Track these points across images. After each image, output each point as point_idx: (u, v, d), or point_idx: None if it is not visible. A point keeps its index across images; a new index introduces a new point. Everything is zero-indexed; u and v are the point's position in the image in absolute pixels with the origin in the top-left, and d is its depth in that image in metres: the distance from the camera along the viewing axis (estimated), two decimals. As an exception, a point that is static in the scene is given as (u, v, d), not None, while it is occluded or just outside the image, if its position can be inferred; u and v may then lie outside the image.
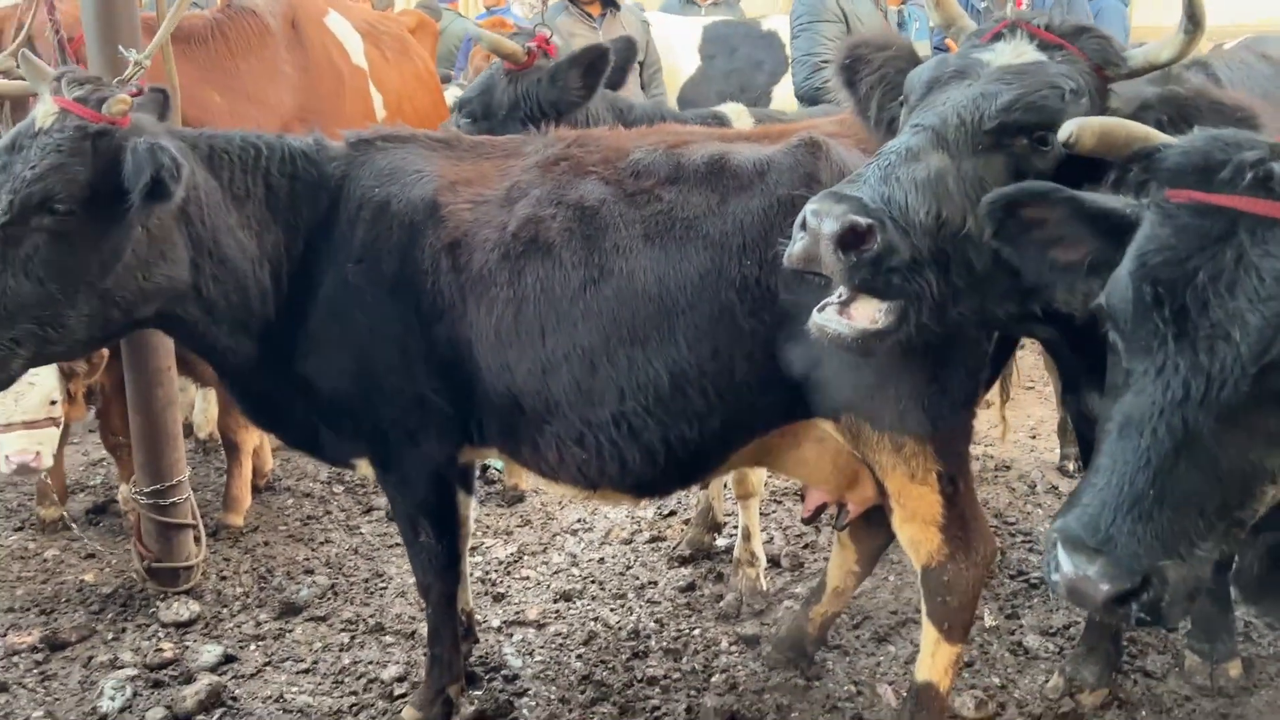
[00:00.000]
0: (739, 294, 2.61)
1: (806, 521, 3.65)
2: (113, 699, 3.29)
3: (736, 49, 6.34)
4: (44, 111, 2.67)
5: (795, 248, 2.03)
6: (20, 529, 4.46)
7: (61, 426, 3.90)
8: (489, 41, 4.06)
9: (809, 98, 5.12)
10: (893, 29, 5.58)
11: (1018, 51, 2.21)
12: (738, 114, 3.95)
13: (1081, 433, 3.15)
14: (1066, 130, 1.91)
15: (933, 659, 2.89)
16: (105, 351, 3.78)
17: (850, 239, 1.96)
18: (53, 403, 3.79)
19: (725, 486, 4.27)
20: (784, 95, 6.92)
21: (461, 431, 2.94)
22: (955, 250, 2.10)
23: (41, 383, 3.74)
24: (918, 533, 2.78)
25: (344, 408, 2.93)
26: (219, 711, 3.27)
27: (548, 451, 2.82)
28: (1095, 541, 1.62)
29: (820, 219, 1.97)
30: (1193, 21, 2.11)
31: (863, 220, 1.95)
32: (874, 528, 3.23)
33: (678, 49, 6.50)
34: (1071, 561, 1.64)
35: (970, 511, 2.81)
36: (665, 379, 2.66)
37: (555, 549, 4.38)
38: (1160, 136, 1.85)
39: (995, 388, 4.46)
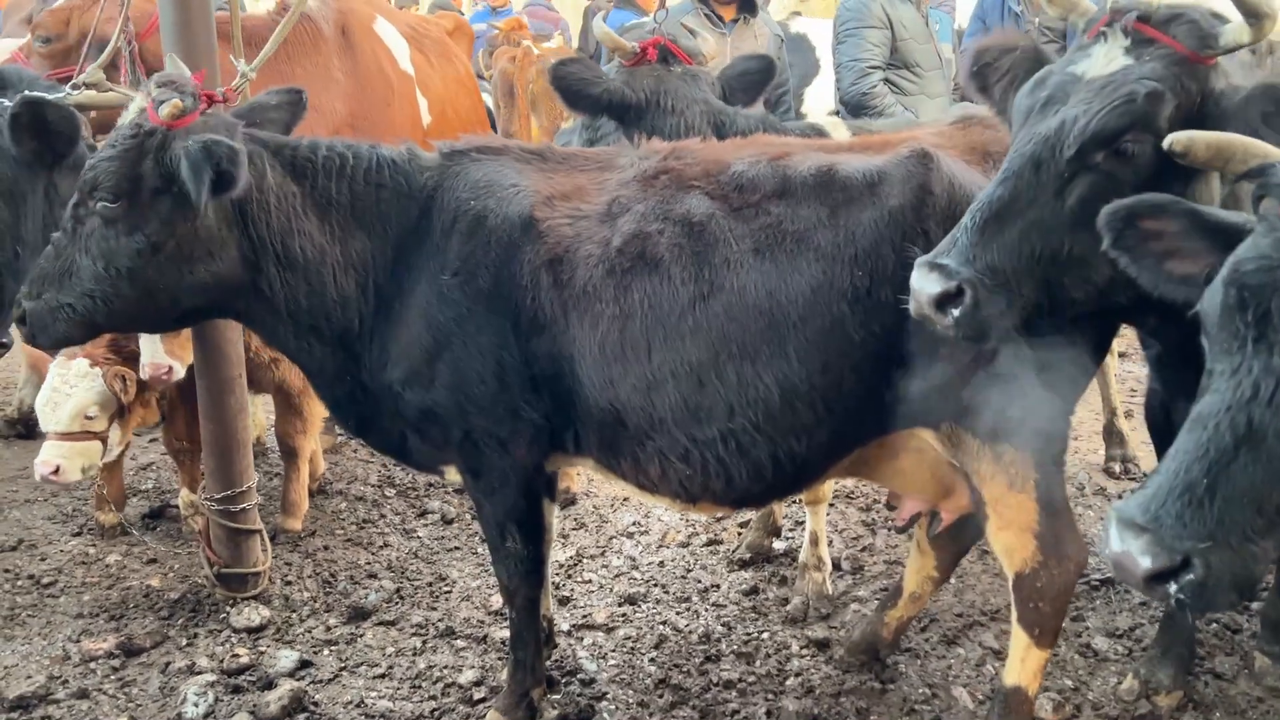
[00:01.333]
0: (850, 306, 2.64)
1: (900, 530, 3.71)
2: (196, 705, 3.31)
3: None
4: (133, 108, 2.84)
5: (911, 306, 2.30)
6: (79, 534, 4.47)
7: (108, 440, 3.92)
8: (604, 36, 4.08)
9: (854, 103, 5.15)
10: (928, 31, 5.61)
11: (1109, 57, 2.27)
12: (834, 126, 3.98)
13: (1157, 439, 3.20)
14: (1180, 142, 1.97)
15: (1022, 663, 2.92)
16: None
17: (945, 300, 2.21)
18: (89, 417, 3.81)
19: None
20: (815, 97, 6.95)
21: (552, 441, 2.96)
22: (1068, 270, 2.23)
23: (77, 396, 3.78)
24: (1013, 540, 2.81)
25: (435, 417, 2.94)
26: (302, 716, 3.30)
27: (649, 466, 2.84)
28: (1144, 520, 1.72)
29: (920, 285, 2.24)
30: (1251, 16, 2.15)
31: (952, 285, 2.20)
32: (954, 535, 3.28)
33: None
34: (1120, 537, 1.74)
35: (1064, 518, 2.84)
36: (776, 394, 2.68)
37: (613, 552, 4.41)
38: (1276, 153, 1.89)
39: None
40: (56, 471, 3.73)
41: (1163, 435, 3.13)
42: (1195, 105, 2.19)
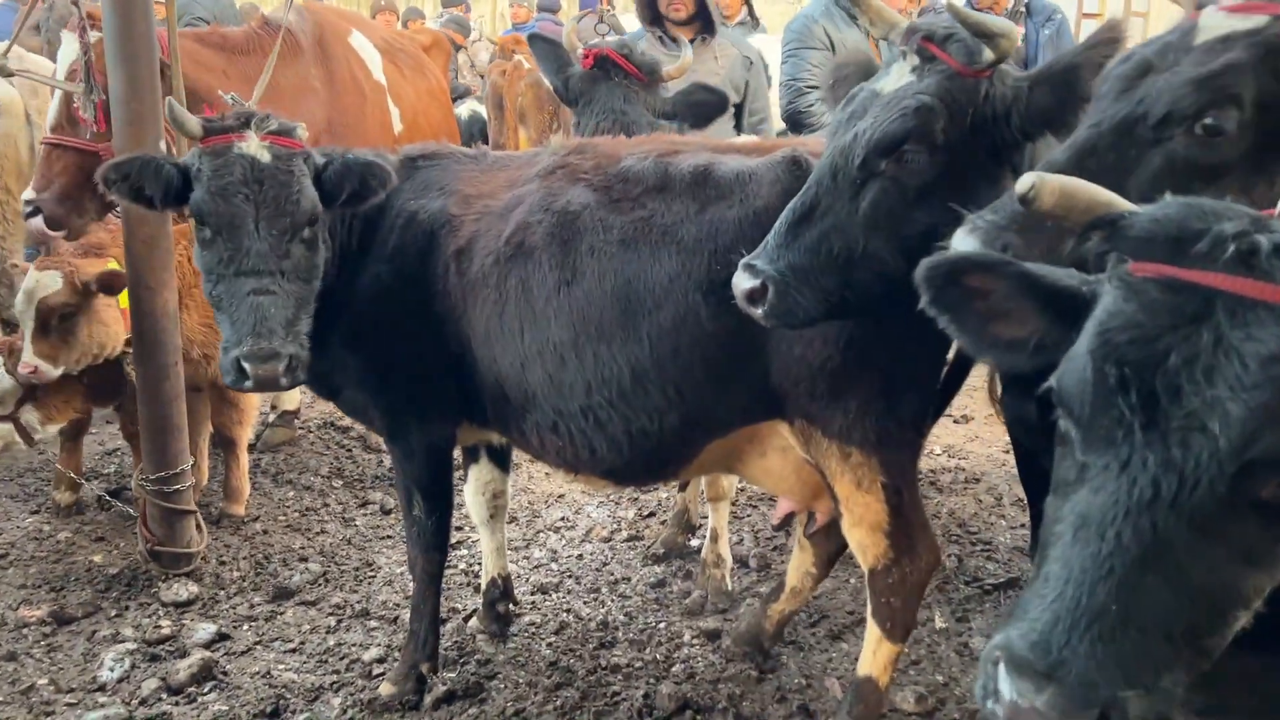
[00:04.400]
0: (705, 297, 2.80)
1: (777, 528, 3.87)
2: (112, 670, 3.55)
3: None
4: (253, 146, 3.03)
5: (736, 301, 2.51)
6: (37, 512, 4.73)
7: (22, 421, 4.26)
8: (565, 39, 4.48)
9: (792, 121, 5.32)
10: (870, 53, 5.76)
11: (899, 75, 2.45)
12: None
13: (1016, 438, 3.32)
14: (1026, 184, 1.73)
15: (874, 655, 3.07)
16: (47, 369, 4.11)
17: (754, 295, 2.42)
18: None
19: (700, 490, 4.48)
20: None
21: (461, 414, 3.28)
22: (864, 266, 2.41)
23: None
24: (864, 537, 2.95)
25: (367, 385, 3.29)
26: (209, 684, 3.51)
27: (531, 436, 3.13)
28: (1045, 665, 1.38)
29: (736, 282, 2.46)
30: (983, 37, 2.33)
31: (757, 282, 2.40)
32: (831, 533, 3.41)
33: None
34: (1015, 687, 1.39)
35: (915, 520, 2.96)
36: (628, 374, 2.89)
37: (538, 545, 4.61)
38: (1124, 204, 1.70)
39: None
40: None
41: (1014, 428, 3.27)
42: (970, 114, 2.36)
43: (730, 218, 2.84)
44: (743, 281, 2.43)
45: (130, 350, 4.29)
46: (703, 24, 5.39)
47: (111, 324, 4.22)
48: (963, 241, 2.10)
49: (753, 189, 2.86)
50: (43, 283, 4.07)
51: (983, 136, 2.37)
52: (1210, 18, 2.05)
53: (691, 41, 5.26)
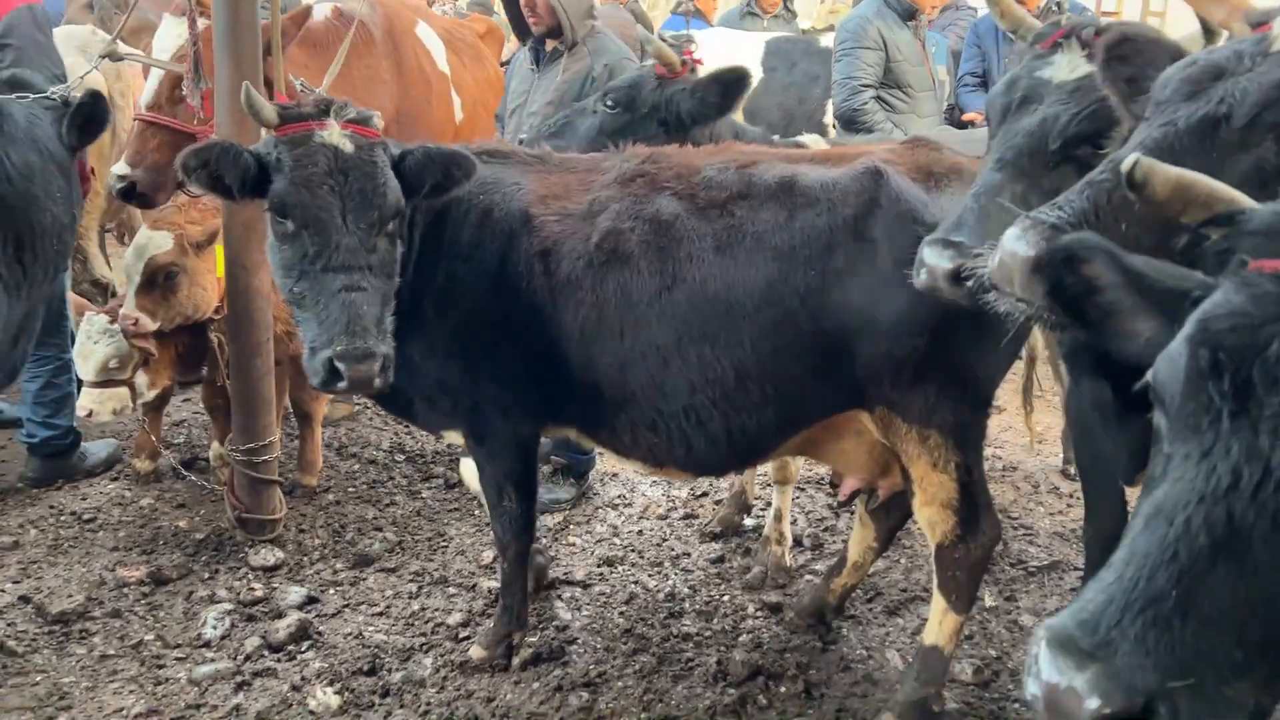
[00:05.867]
0: (801, 301, 3.00)
1: (842, 504, 4.09)
2: (214, 628, 3.76)
3: (796, 63, 6.63)
4: (334, 135, 2.97)
5: (920, 279, 2.51)
6: (116, 479, 4.94)
7: (136, 385, 4.43)
8: (655, 49, 4.31)
9: (846, 118, 5.52)
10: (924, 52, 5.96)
11: (1072, 65, 2.59)
12: (815, 142, 4.34)
13: (1078, 420, 3.51)
14: (1141, 170, 1.70)
15: (940, 626, 3.29)
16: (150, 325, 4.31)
17: (958, 274, 2.42)
18: (112, 367, 4.33)
19: (757, 472, 4.70)
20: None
21: (546, 412, 3.38)
22: None
23: (99, 350, 4.31)
24: (935, 514, 3.17)
25: (447, 386, 3.36)
26: (307, 643, 3.72)
27: (623, 434, 3.24)
28: (1090, 644, 1.29)
29: (936, 260, 2.45)
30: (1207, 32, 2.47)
31: (968, 264, 2.40)
32: (892, 510, 3.65)
33: (742, 62, 6.78)
34: (1055, 665, 1.30)
35: (981, 499, 3.19)
36: (732, 375, 3.06)
37: (598, 520, 4.82)
38: (1246, 200, 1.63)
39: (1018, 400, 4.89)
40: (90, 415, 4.31)
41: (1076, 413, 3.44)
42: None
43: (821, 224, 3.03)
44: (943, 261, 2.45)
45: (216, 318, 4.52)
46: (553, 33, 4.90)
47: (209, 289, 4.45)
48: (1016, 242, 2.04)
49: (839, 198, 3.05)
50: (155, 241, 4.32)
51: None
52: None
53: (556, 51, 4.87)
